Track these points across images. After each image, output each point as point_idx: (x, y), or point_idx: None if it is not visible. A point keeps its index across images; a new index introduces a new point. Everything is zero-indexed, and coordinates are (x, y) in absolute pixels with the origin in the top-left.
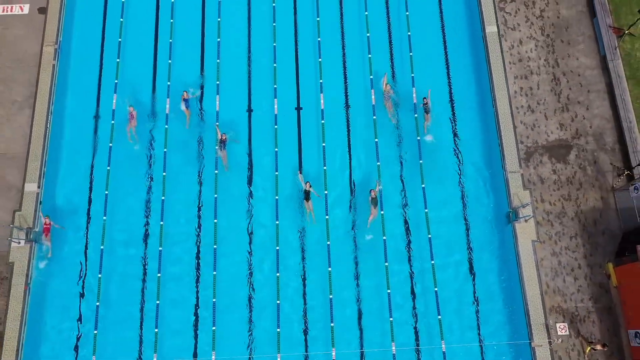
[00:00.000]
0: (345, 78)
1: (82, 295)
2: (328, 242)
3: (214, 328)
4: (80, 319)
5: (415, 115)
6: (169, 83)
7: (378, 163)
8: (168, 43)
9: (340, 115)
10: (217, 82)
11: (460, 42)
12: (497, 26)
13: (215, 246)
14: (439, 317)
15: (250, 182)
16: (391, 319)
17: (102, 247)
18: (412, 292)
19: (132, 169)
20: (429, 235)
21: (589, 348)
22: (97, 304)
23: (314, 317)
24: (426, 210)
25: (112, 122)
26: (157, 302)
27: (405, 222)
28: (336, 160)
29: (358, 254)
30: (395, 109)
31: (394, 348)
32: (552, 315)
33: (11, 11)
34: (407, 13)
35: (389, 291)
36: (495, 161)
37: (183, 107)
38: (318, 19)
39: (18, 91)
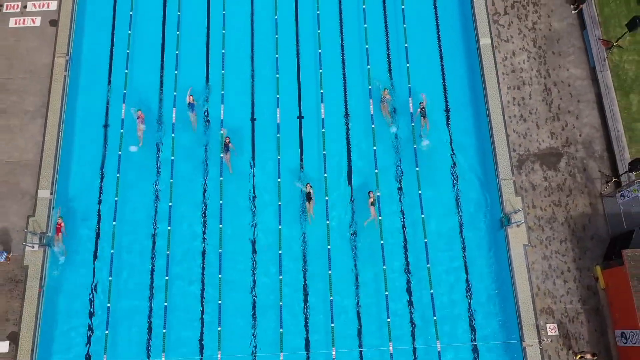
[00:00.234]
0: (345, 88)
1: (93, 297)
2: (328, 247)
3: (219, 328)
4: (91, 320)
5: (412, 124)
6: (175, 93)
7: (376, 170)
8: (174, 54)
9: (340, 123)
10: (222, 92)
11: (456, 54)
12: (491, 38)
13: (220, 250)
14: (435, 318)
15: (253, 188)
16: (388, 319)
17: (112, 251)
18: (409, 294)
19: (141, 176)
20: (425, 240)
21: (578, 356)
22: (108, 305)
23: (314, 318)
24: (422, 216)
25: (121, 130)
26: (165, 303)
27: (403, 227)
28: (336, 167)
29: (357, 258)
30: (392, 114)
31: (391, 348)
32: (542, 316)
33: (23, 23)
34: (405, 25)
35: (386, 293)
36: (489, 168)
37: (189, 112)
38: (319, 31)
39: (31, 101)
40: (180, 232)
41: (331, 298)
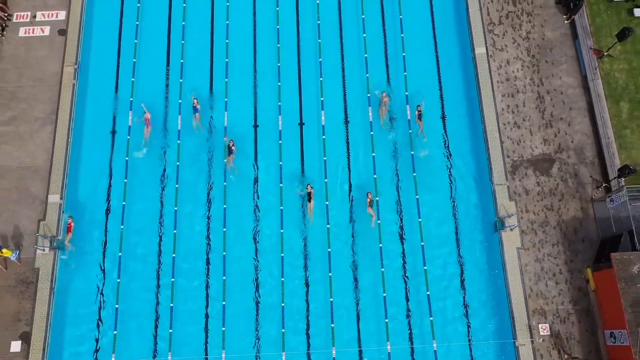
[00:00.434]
0: (345, 96)
1: (102, 298)
2: (329, 250)
3: (223, 329)
4: (100, 320)
5: (410, 130)
6: (180, 101)
7: (375, 175)
8: (179, 63)
9: (339, 130)
10: (226, 100)
11: (452, 62)
12: (486, 47)
13: (224, 253)
14: (431, 318)
15: (256, 193)
16: (387, 320)
17: (120, 254)
18: (406, 296)
19: (147, 181)
20: (422, 243)
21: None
22: (116, 306)
23: (315, 319)
24: (419, 220)
25: (128, 137)
26: (171, 304)
27: (400, 230)
28: (336, 172)
29: (356, 260)
30: (390, 121)
31: (389, 347)
32: (534, 316)
33: (33, 33)
34: (402, 35)
35: (384, 294)
36: (484, 174)
37: (194, 114)
38: (319, 40)
39: (41, 109)
40: (186, 235)
41: (331, 299)
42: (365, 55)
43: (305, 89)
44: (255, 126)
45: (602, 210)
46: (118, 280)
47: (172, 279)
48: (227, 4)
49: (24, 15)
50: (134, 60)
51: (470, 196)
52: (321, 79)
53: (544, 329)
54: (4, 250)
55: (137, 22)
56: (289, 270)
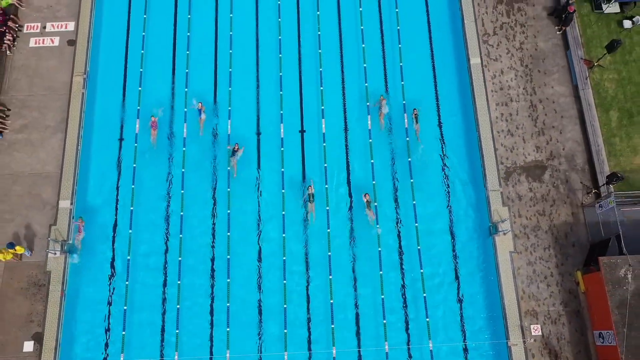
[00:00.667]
0: (344, 104)
1: (111, 300)
2: (329, 253)
3: (228, 329)
4: (109, 321)
5: (407, 138)
6: (185, 110)
7: (374, 182)
8: (185, 73)
9: (339, 138)
10: (229, 108)
11: (448, 72)
12: (481, 58)
13: (228, 256)
14: (427, 319)
15: (259, 198)
16: (385, 321)
17: (128, 257)
18: (404, 298)
19: (154, 187)
20: (419, 247)
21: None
22: (125, 308)
23: (316, 320)
24: (416, 225)
25: (135, 144)
26: (178, 306)
27: (398, 234)
28: (336, 178)
29: (356, 264)
30: (387, 122)
31: (387, 347)
32: (526, 317)
33: (43, 43)
34: (400, 45)
35: (382, 297)
36: (478, 180)
37: (199, 117)
38: (320, 51)
39: (51, 117)
40: (191, 239)
41: (331, 301)
42: (364, 65)
43: (306, 98)
44: (258, 133)
45: (592, 215)
46: (126, 282)
47: (179, 282)
48: (231, 15)
49: (34, 26)
50: (141, 70)
51: (465, 202)
52: (321, 88)
53: (535, 330)
54: (17, 247)
55: (144, 33)
56: (290, 273)
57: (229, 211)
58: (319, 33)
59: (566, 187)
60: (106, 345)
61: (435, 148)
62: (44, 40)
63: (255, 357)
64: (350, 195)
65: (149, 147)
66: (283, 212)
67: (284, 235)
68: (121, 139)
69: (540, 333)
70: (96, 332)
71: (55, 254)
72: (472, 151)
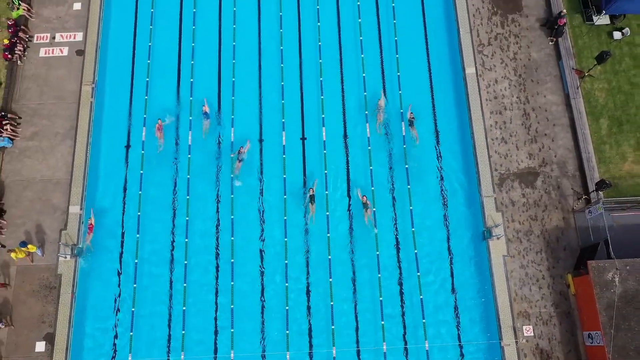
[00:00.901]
0: (344, 113)
1: (119, 301)
2: (329, 257)
3: (232, 330)
4: (118, 323)
5: (404, 146)
6: (190, 118)
7: (372, 188)
8: (189, 82)
9: (339, 145)
10: (232, 117)
11: (444, 81)
12: (476, 67)
13: (232, 260)
14: (424, 320)
15: (261, 204)
16: (382, 322)
17: (136, 260)
18: (401, 300)
19: (160, 193)
20: (416, 251)
21: None
22: (133, 309)
23: (317, 321)
24: (413, 229)
25: (142, 152)
26: (184, 308)
27: (396, 239)
28: (336, 184)
29: (355, 267)
30: (385, 124)
31: (385, 347)
32: (519, 319)
33: (52, 53)
34: (397, 55)
35: (381, 299)
36: (473, 186)
37: (204, 119)
38: (320, 61)
39: (60, 125)
40: (196, 243)
41: (332, 303)
42: (363, 75)
43: (307, 106)
44: (261, 140)
45: (582, 220)
46: (134, 285)
47: (184, 285)
48: (234, 26)
49: (44, 37)
50: (147, 79)
51: (461, 207)
52: (322, 97)
53: (527, 330)
54: (29, 245)
55: (150, 44)
56: (292, 276)
57: (232, 217)
58: (320, 43)
59: (558, 193)
60: (114, 345)
61: (432, 155)
62: (53, 50)
63: (258, 357)
64: (349, 201)
65: (156, 154)
66: (285, 218)
67: (285, 239)
68: (128, 146)
69: (532, 334)
70: (105, 333)
71: (65, 257)
72: (467, 158)
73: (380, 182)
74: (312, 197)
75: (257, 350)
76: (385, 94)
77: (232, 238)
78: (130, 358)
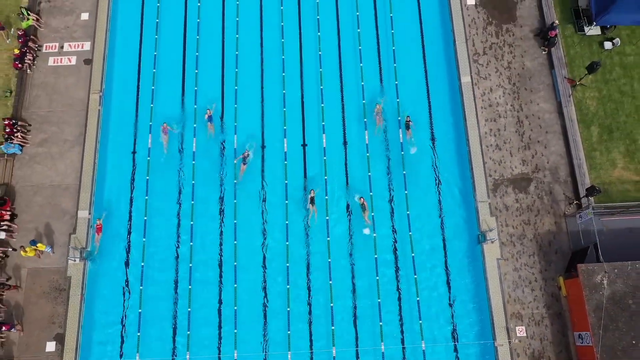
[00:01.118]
0: (344, 120)
1: (126, 303)
2: (329, 260)
3: (235, 331)
4: (125, 323)
5: (402, 152)
6: (195, 125)
7: (371, 193)
8: (194, 90)
9: (339, 151)
10: (235, 124)
11: (441, 90)
12: (471, 76)
13: (235, 263)
14: (420, 321)
15: (264, 209)
16: (381, 323)
17: (142, 264)
18: (399, 301)
19: (166, 198)
20: (413, 254)
21: None
22: (140, 311)
23: (317, 322)
24: (410, 233)
25: (148, 158)
26: (189, 309)
27: (394, 242)
28: (336, 189)
29: (354, 269)
30: (384, 127)
31: (383, 347)
32: (512, 319)
33: (61, 62)
34: (395, 65)
35: (379, 300)
36: (468, 191)
37: (208, 123)
38: (321, 69)
39: (69, 132)
40: (201, 246)
41: (332, 304)
42: (362, 83)
43: (308, 114)
44: (263, 147)
45: (573, 224)
46: (141, 287)
47: (189, 286)
48: (237, 36)
49: (52, 46)
50: (153, 87)
51: (456, 212)
52: (322, 105)
53: (520, 331)
54: (39, 244)
55: (155, 53)
56: (293, 278)
57: (235, 221)
58: (320, 53)
59: (550, 198)
60: (122, 345)
61: (429, 161)
62: (61, 59)
63: (260, 357)
64: (348, 206)
65: (161, 160)
66: (286, 222)
67: (287, 243)
68: (134, 152)
69: (524, 334)
70: (113, 333)
71: (74, 260)
72: (462, 164)
73: (378, 187)
74: (312, 199)
75: (259, 350)
76: (383, 101)
77: (235, 242)
78: (137, 358)
